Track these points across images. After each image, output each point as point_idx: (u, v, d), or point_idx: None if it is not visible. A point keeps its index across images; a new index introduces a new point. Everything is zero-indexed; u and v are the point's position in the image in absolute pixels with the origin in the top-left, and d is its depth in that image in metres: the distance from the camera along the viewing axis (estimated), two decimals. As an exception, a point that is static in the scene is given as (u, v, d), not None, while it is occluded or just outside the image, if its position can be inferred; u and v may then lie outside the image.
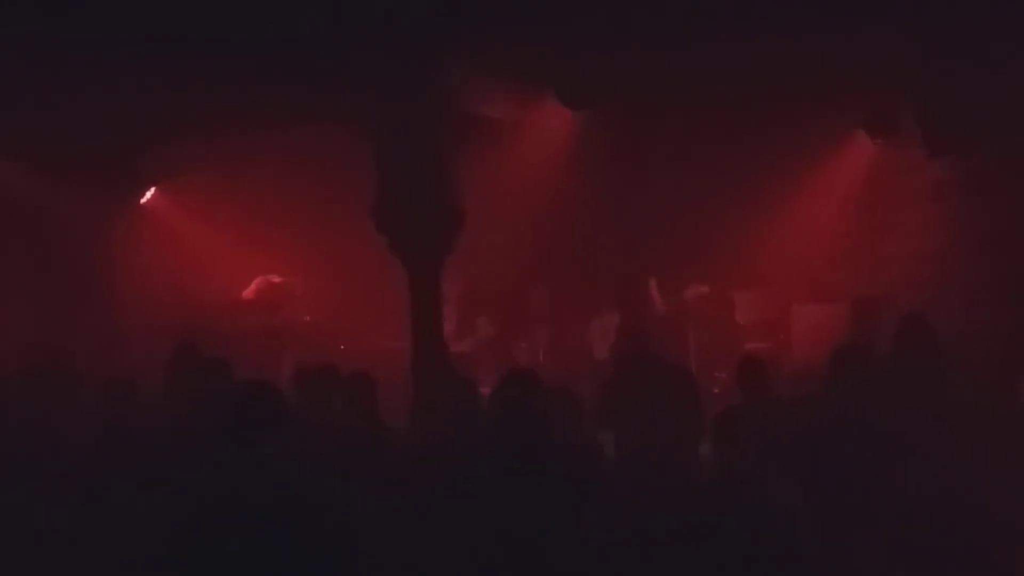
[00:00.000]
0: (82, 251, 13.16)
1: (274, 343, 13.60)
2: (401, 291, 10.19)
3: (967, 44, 10.54)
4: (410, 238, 9.97)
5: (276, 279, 14.38)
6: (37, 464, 6.10)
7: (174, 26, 9.27)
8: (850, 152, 13.73)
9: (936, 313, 8.93)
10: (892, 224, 13.61)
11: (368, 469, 7.30)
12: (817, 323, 13.12)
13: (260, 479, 5.73)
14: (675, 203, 13.48)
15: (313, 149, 13.26)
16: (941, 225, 12.82)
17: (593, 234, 13.90)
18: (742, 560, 7.07)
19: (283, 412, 5.72)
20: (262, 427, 5.64)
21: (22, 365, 9.17)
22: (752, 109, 12.48)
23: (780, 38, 10.34)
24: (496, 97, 12.14)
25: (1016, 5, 9.89)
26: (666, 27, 10.03)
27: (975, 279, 11.86)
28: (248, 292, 14.40)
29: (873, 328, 10.50)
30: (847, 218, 13.81)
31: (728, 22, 10.03)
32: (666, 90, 11.80)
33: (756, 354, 9.67)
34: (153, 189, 14.27)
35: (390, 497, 7.14)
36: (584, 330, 13.43)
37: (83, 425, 7.36)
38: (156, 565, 5.53)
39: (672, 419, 8.39)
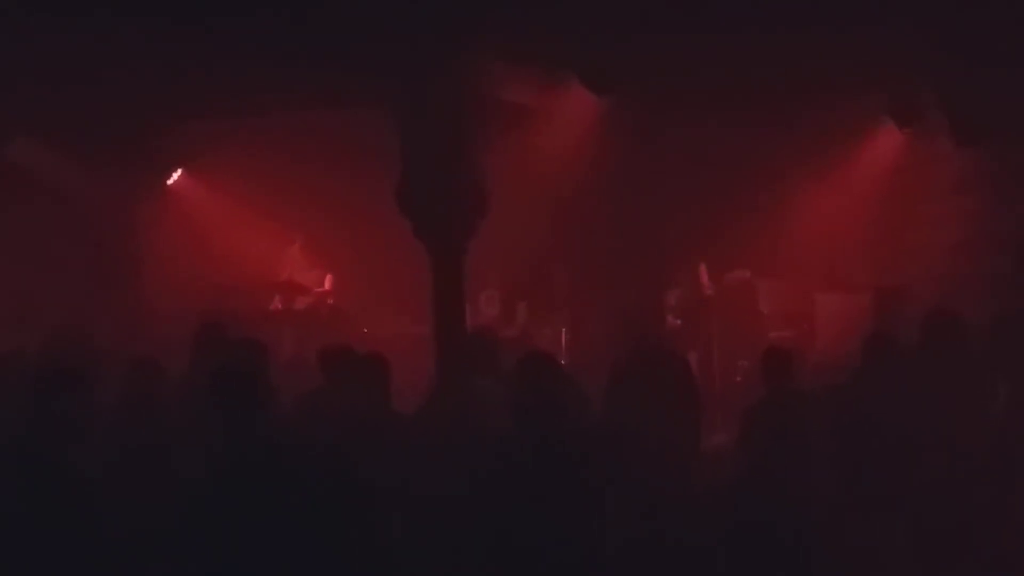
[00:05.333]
0: (108, 232, 13.22)
1: (297, 326, 13.64)
2: (424, 275, 10.20)
3: (995, 32, 10.48)
4: (434, 222, 9.96)
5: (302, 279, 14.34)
6: (65, 445, 6.11)
7: (202, 6, 9.29)
8: (876, 141, 13.68)
9: (959, 305, 8.90)
10: (917, 215, 13.55)
11: (386, 452, 7.35)
12: (840, 313, 13.09)
13: (276, 459, 5.78)
14: (698, 190, 13.44)
15: (339, 132, 13.29)
16: (966, 216, 12.75)
17: (616, 220, 13.87)
18: (768, 552, 7.11)
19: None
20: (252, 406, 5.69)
21: (48, 346, 9.24)
22: (778, 96, 12.44)
23: (807, 24, 10.30)
24: (521, 82, 12.13)
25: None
26: (691, 12, 10.00)
27: (999, 271, 11.80)
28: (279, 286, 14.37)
29: (896, 318, 10.44)
30: (871, 208, 13.75)
31: (755, 7, 10.01)
32: (690, 76, 11.76)
33: (781, 344, 9.66)
34: (179, 170, 14.32)
35: (408, 480, 7.19)
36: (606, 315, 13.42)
37: (108, 405, 7.40)
38: (176, 544, 5.57)
39: (668, 409, 8.40)
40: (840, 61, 11.28)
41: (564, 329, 13.74)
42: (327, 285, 14.35)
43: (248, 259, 14.55)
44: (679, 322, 13.10)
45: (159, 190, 14.07)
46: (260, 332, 10.03)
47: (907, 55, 11.05)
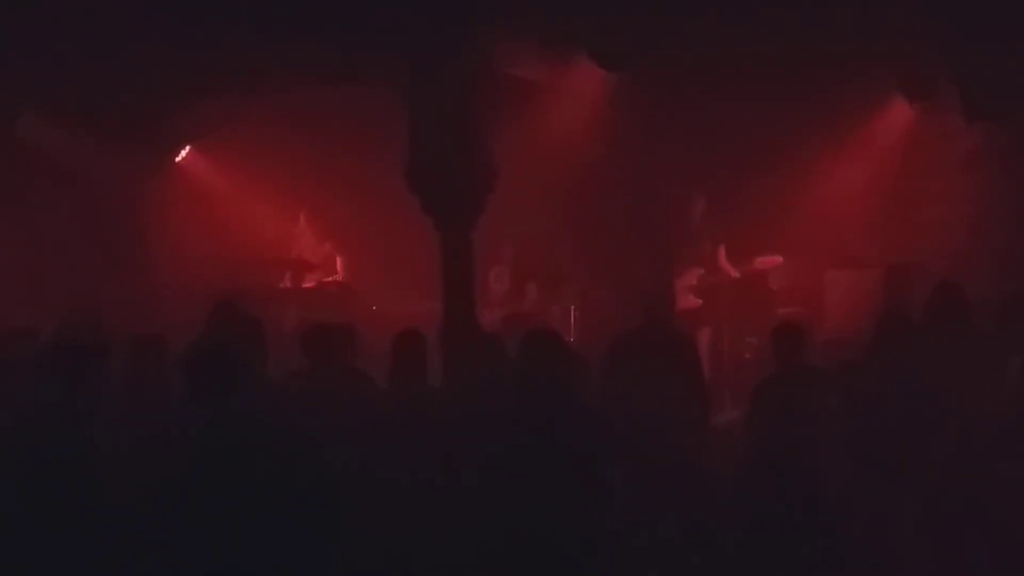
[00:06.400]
0: (116, 209, 13.20)
1: (306, 303, 13.63)
2: (433, 252, 10.19)
3: (1005, 6, 10.43)
4: (443, 198, 9.96)
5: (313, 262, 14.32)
6: (74, 423, 6.12)
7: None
8: (886, 117, 13.61)
9: (970, 281, 8.88)
10: (927, 190, 13.50)
11: (393, 428, 7.34)
12: (850, 289, 13.06)
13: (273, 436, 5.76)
14: (708, 166, 13.40)
15: (347, 108, 13.26)
16: (976, 192, 12.71)
17: (626, 197, 13.85)
18: (779, 530, 7.10)
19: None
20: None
21: (57, 325, 9.24)
22: (788, 72, 12.39)
23: (819, 1, 10.26)
24: (530, 58, 12.09)
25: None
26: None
27: (1010, 247, 11.76)
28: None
29: (906, 295, 10.42)
30: (882, 184, 13.71)
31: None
32: (700, 52, 11.72)
33: (791, 320, 9.62)
34: (188, 147, 14.30)
35: (415, 457, 7.18)
36: (616, 293, 13.41)
37: (115, 383, 7.40)
38: (176, 526, 5.56)
39: (672, 389, 8.39)
40: (850, 37, 11.24)
41: (574, 306, 13.73)
42: (337, 267, 14.33)
43: (257, 236, 14.54)
44: (699, 302, 13.00)
45: (167, 167, 14.05)
46: (268, 309, 10.05)
47: (917, 30, 11.00)
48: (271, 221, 14.61)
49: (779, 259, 13.32)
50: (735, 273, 13.17)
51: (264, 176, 14.32)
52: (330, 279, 14.21)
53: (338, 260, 14.35)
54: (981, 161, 12.68)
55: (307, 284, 14.17)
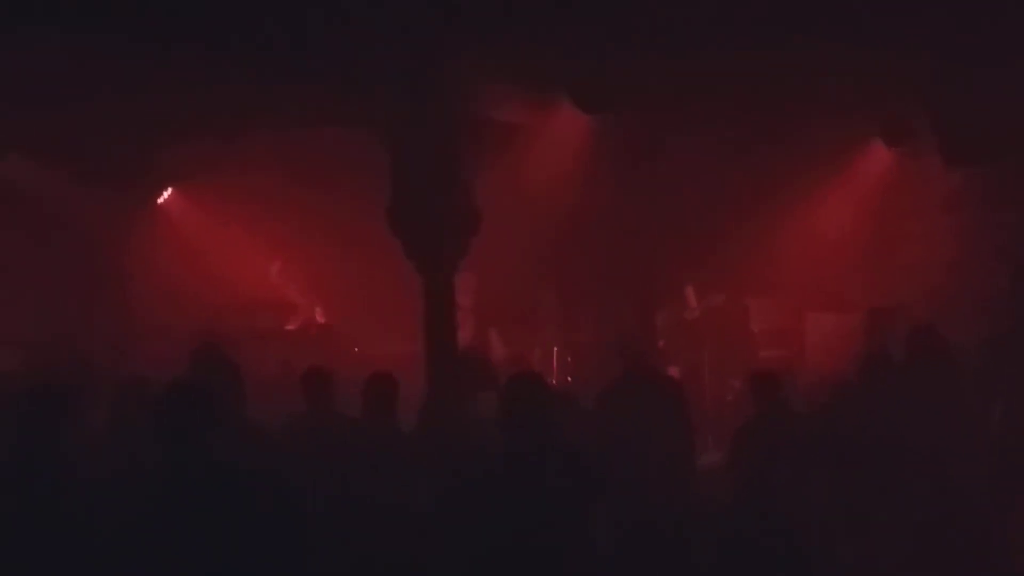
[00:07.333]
0: (98, 250, 13.19)
1: (287, 345, 13.60)
2: (415, 295, 10.18)
3: (984, 52, 10.50)
4: (424, 241, 9.95)
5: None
6: (53, 465, 6.09)
7: (189, 26, 9.29)
8: (866, 160, 13.71)
9: (950, 323, 8.93)
10: (908, 233, 13.58)
11: (377, 470, 7.34)
12: (831, 332, 13.10)
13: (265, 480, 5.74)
14: (689, 210, 13.45)
15: (329, 151, 13.28)
16: (957, 235, 12.77)
17: (606, 239, 13.88)
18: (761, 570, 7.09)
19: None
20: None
21: (37, 364, 9.22)
22: (768, 115, 12.45)
23: (797, 44, 10.31)
24: (511, 101, 12.12)
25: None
26: (682, 32, 10.01)
27: (990, 289, 11.80)
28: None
29: (888, 338, 10.45)
30: (862, 227, 13.78)
31: (745, 27, 10.02)
32: (681, 96, 11.77)
33: (768, 366, 9.67)
34: (170, 189, 14.30)
35: (399, 497, 7.18)
36: (597, 335, 13.42)
37: (98, 424, 7.38)
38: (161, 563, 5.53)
39: (660, 432, 8.40)
40: (830, 80, 11.30)
41: (556, 348, 13.73)
42: (317, 314, 14.32)
43: (237, 278, 14.52)
44: (662, 343, 13.11)
45: (149, 208, 14.04)
46: (248, 352, 10.02)
47: (897, 74, 11.07)
48: (252, 263, 14.59)
49: (721, 297, 13.45)
50: (696, 312, 13.27)
51: (245, 218, 14.31)
52: (310, 320, 14.19)
53: (317, 306, 14.34)
54: (961, 204, 12.75)
55: (288, 326, 14.15)
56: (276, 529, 5.54)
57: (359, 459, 7.48)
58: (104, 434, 7.41)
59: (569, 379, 12.84)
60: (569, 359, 13.49)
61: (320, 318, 14.32)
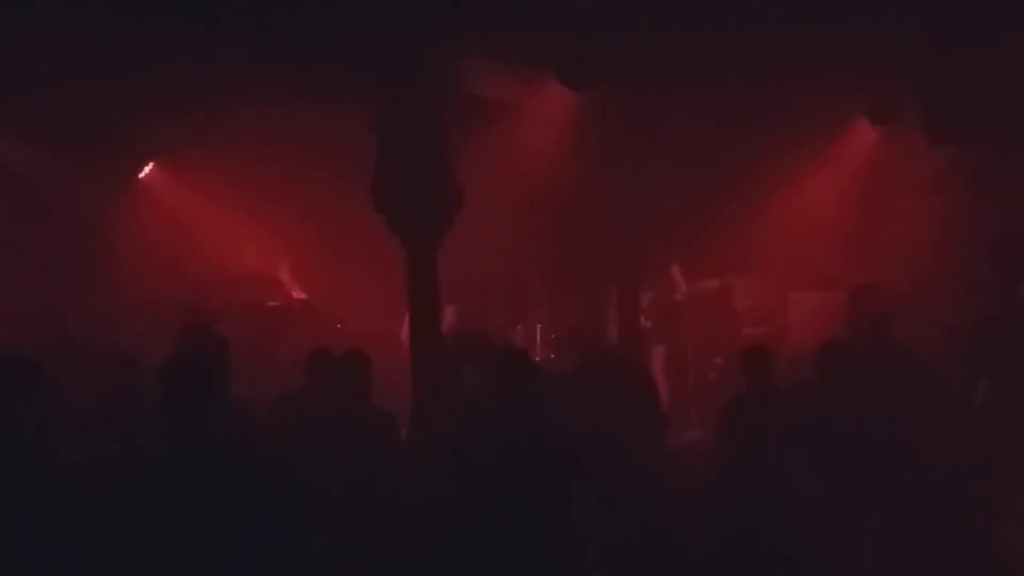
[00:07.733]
0: (80, 226, 13.13)
1: (270, 321, 13.57)
2: (398, 271, 10.16)
3: (971, 31, 10.50)
4: (408, 217, 9.94)
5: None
6: (44, 443, 6.05)
7: (173, 1, 9.24)
8: (851, 139, 13.71)
9: (935, 301, 8.96)
10: (891, 212, 13.59)
11: (364, 450, 7.33)
12: (814, 310, 13.12)
13: (253, 458, 5.73)
14: (674, 187, 13.44)
15: (313, 126, 13.23)
16: (941, 214, 12.79)
17: (591, 217, 13.85)
18: (746, 549, 7.11)
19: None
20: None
21: (19, 338, 9.17)
22: (753, 94, 12.43)
23: (783, 22, 10.30)
24: (496, 77, 12.08)
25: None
26: (668, 9, 9.99)
27: (975, 268, 11.83)
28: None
29: (871, 316, 10.47)
30: (846, 205, 13.79)
31: (730, 5, 10.00)
32: (666, 74, 11.75)
33: (760, 343, 9.67)
34: (151, 164, 14.23)
35: (385, 477, 7.17)
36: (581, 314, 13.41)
37: (86, 401, 7.36)
38: (151, 544, 5.51)
39: (624, 415, 8.41)
40: (815, 59, 11.28)
41: (539, 326, 13.72)
42: (285, 279, 14.28)
43: (219, 253, 14.49)
44: (646, 323, 13.11)
45: (131, 183, 13.98)
46: (230, 327, 9.99)
47: (882, 52, 11.06)
48: (234, 238, 14.55)
49: (715, 282, 13.46)
50: (683, 295, 13.28)
51: (227, 193, 14.26)
52: (294, 297, 14.17)
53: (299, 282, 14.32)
54: (946, 183, 12.77)
55: (270, 302, 14.11)
56: (275, 504, 5.54)
57: (356, 440, 7.46)
58: (93, 410, 7.37)
59: (552, 356, 12.81)
60: (553, 336, 13.46)
61: (302, 295, 14.28)
